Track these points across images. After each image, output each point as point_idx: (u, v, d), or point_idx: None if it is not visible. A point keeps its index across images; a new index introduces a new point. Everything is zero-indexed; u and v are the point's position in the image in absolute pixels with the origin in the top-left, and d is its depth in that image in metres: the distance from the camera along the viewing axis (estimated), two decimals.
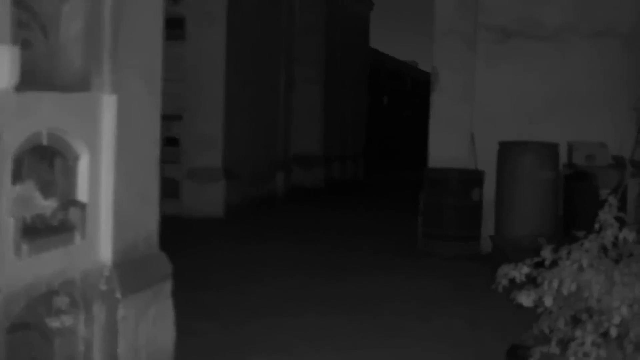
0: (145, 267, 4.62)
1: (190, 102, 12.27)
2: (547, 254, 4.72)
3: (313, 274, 8.12)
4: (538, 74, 9.29)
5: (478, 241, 8.92)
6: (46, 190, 3.70)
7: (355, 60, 21.74)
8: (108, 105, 4.26)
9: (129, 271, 4.37)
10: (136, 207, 4.60)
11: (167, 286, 4.82)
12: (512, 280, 4.69)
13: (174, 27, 12.42)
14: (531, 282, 4.67)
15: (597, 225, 4.66)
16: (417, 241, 9.21)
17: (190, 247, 9.39)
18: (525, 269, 4.66)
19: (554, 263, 4.67)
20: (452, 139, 9.32)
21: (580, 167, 8.84)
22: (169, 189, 12.43)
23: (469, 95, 9.30)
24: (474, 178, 8.90)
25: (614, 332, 3.98)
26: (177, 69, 12.39)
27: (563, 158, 8.98)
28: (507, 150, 8.92)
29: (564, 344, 4.19)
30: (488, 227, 9.10)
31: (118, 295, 4.18)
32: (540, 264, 4.69)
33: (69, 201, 3.84)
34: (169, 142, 12.54)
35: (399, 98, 35.50)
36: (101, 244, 4.21)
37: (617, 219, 4.59)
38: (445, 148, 9.31)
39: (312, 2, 17.92)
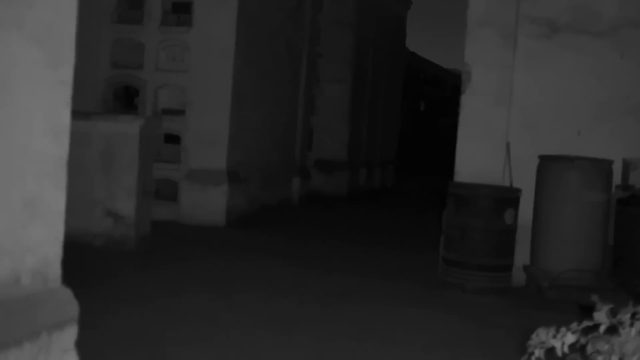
0: (30, 309, 3.29)
1: (194, 96, 10.96)
2: (602, 316, 3.33)
3: (302, 300, 6.78)
4: (590, 75, 7.84)
5: (509, 272, 7.48)
6: None
7: (390, 61, 20.32)
8: None
9: None
10: (17, 224, 3.26)
11: (68, 335, 3.48)
12: (550, 349, 3.33)
13: (180, 12, 11.21)
14: (578, 351, 3.32)
15: None
16: (438, 268, 7.79)
17: (174, 260, 8.09)
18: (570, 337, 3.29)
19: (613, 329, 3.30)
20: (484, 148, 7.89)
21: (637, 190, 7.37)
22: (167, 191, 11.18)
23: (506, 98, 7.87)
24: (508, 197, 7.46)
25: None
26: (181, 59, 11.17)
27: (617, 177, 7.52)
28: (549, 166, 7.49)
29: None
30: (523, 255, 7.67)
31: None
32: (591, 328, 3.33)
33: None
34: (169, 139, 11.30)
35: (438, 105, 34.02)
36: None
37: None
38: (475, 159, 7.87)
39: None
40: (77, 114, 9.44)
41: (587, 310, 6.47)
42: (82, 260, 7.82)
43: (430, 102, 34.13)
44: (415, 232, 11.54)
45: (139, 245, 8.57)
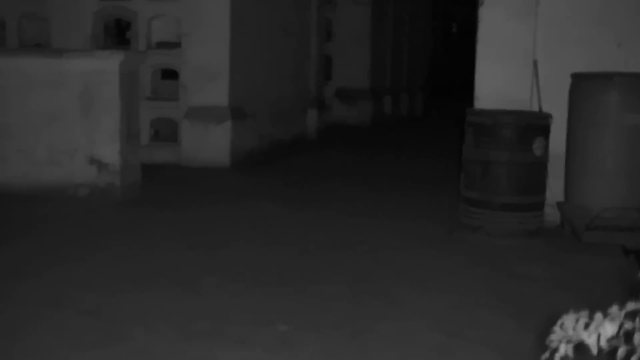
0: None
1: (190, 26, 9.93)
2: None
3: (302, 251, 5.89)
4: None
5: (541, 212, 6.47)
6: None
7: None
8: None
9: None
10: None
11: None
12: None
13: None
14: (623, 338, 2.40)
15: None
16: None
17: (160, 209, 7.21)
18: (609, 329, 2.39)
19: None
20: (508, 69, 6.80)
21: None
22: (166, 131, 10.29)
23: (531, 8, 6.73)
24: (537, 124, 6.40)
25: None
26: None
27: None
28: (583, 86, 6.41)
29: None
30: (556, 190, 6.65)
31: None
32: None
33: None
34: (167, 75, 10.36)
35: (472, 26, 32.49)
36: None
37: None
38: (497, 82, 6.80)
39: None
40: (48, 51, 8.46)
41: (634, 256, 5.31)
42: (58, 213, 7.03)
43: (463, 23, 32.63)
44: (442, 165, 10.46)
45: (127, 194, 7.72)
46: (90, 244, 6.05)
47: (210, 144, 9.85)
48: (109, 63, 7.66)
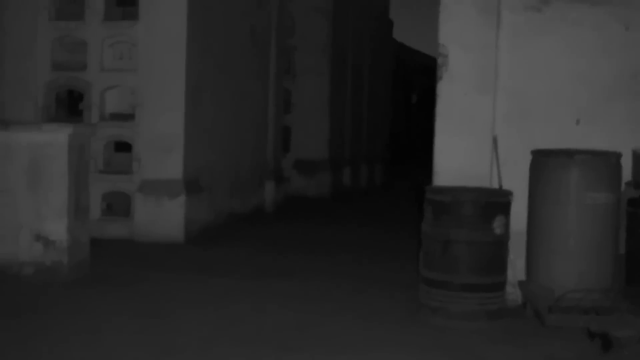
0: None
1: (145, 97, 9.72)
2: None
3: (256, 330, 5.58)
4: (589, 53, 6.61)
5: (502, 292, 6.28)
6: None
7: (374, 51, 19.11)
8: None
9: None
10: None
11: None
12: None
13: (125, 4, 10.01)
14: None
15: None
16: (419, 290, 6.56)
17: (107, 290, 6.89)
18: None
19: None
20: (467, 143, 6.67)
21: None
22: (119, 205, 9.99)
23: (490, 84, 6.64)
24: (497, 202, 6.24)
25: None
26: (129, 57, 9.97)
27: (626, 173, 6.31)
28: (543, 163, 6.28)
29: None
30: (517, 269, 6.47)
31: None
32: None
33: None
34: (120, 147, 10.10)
35: (431, 96, 32.73)
36: None
37: None
38: (456, 158, 6.66)
39: None
40: None
41: (599, 339, 5.06)
42: None
43: (423, 93, 32.95)
44: (403, 238, 10.25)
45: (75, 272, 7.39)
46: (31, 327, 5.70)
47: (163, 219, 9.57)
48: (57, 136, 7.41)
